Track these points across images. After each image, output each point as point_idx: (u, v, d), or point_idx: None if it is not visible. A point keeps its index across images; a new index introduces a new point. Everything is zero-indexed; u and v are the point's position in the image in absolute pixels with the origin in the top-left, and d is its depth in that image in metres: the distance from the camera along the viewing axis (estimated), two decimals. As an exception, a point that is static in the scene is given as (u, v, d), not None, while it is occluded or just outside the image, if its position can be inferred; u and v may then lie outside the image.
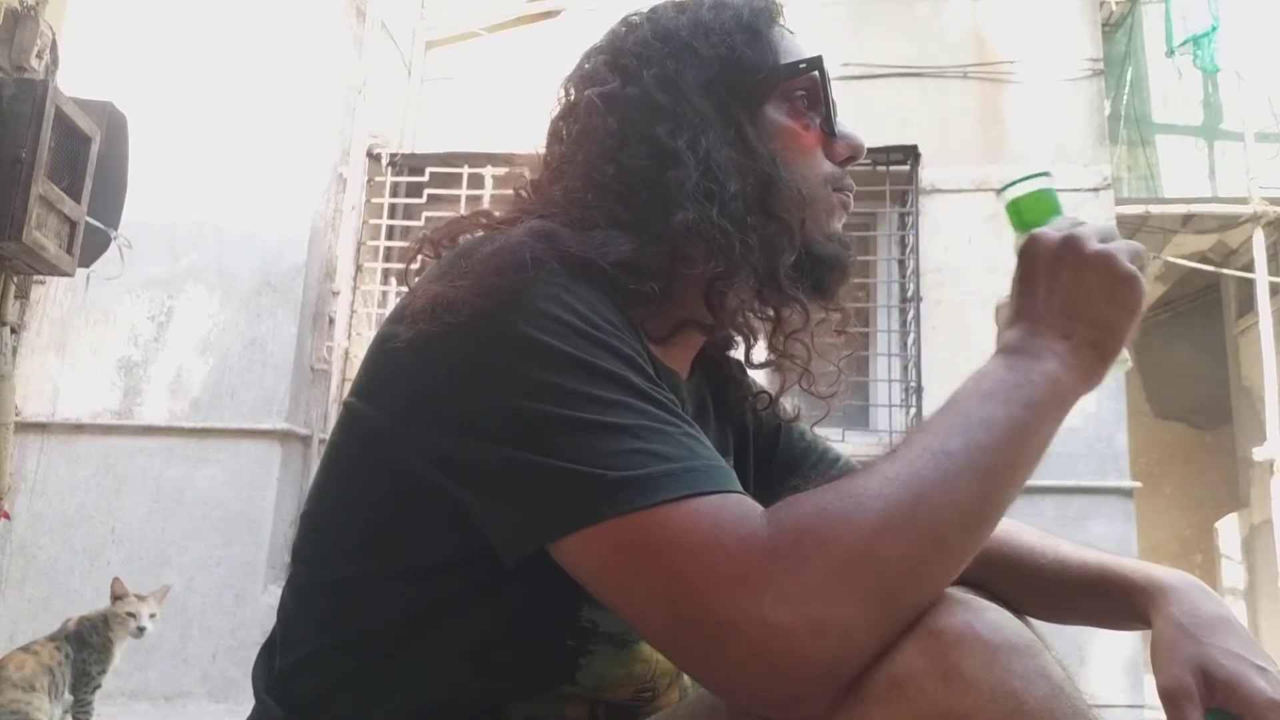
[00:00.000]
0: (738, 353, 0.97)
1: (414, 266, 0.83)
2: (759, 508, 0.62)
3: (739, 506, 0.61)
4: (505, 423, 0.64)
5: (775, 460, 1.00)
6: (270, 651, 0.82)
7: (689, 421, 0.67)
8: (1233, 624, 0.78)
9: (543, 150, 0.88)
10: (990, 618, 0.58)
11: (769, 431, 1.01)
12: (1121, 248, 0.73)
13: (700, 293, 0.81)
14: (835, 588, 0.57)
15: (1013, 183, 0.81)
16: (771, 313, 0.89)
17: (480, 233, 0.80)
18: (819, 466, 1.02)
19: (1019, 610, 0.78)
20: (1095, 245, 0.72)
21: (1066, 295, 0.72)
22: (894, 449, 0.65)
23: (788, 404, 1.01)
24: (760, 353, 0.96)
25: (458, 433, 0.66)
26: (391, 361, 0.71)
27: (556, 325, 0.66)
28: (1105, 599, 0.87)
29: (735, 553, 0.58)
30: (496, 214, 0.84)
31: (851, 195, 0.88)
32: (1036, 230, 0.75)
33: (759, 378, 1.01)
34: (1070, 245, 0.72)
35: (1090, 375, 0.71)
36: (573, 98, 0.86)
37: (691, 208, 0.76)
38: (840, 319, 0.93)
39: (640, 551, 0.60)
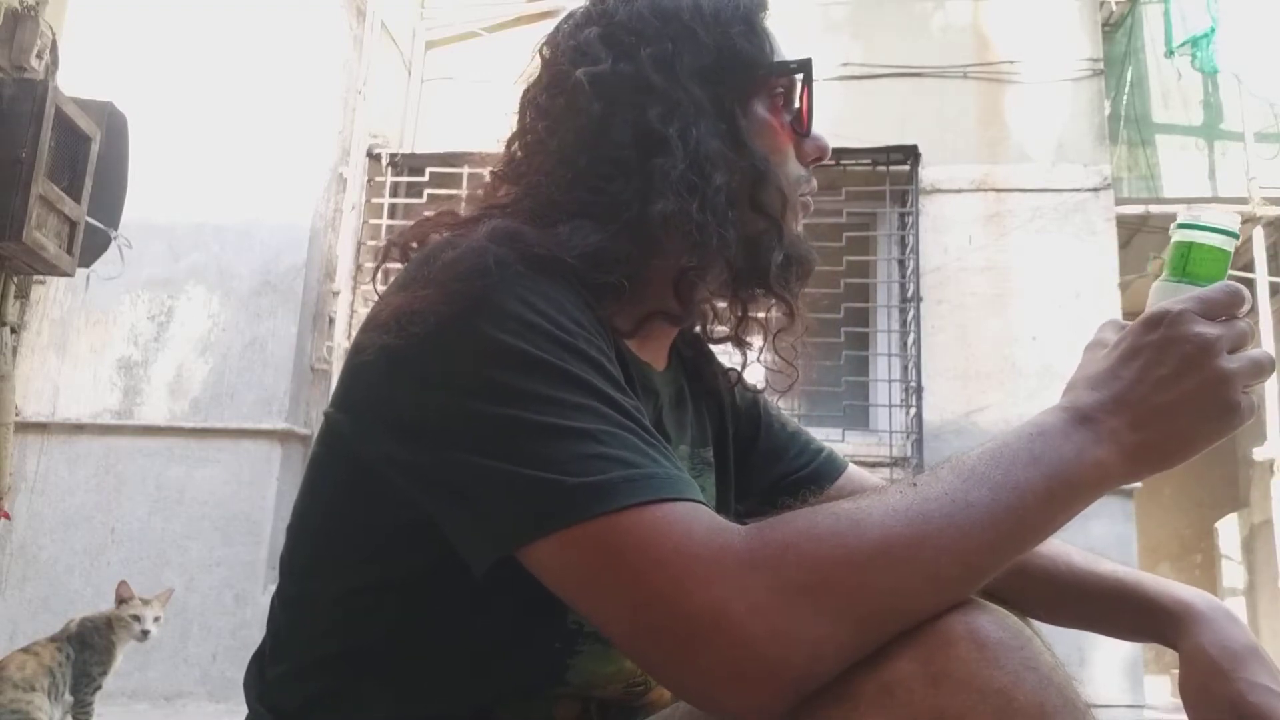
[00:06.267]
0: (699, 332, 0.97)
1: (387, 266, 0.81)
2: (728, 521, 0.61)
3: (709, 517, 0.60)
4: (465, 428, 0.63)
5: (758, 449, 1.00)
6: (260, 661, 0.82)
7: (653, 432, 0.66)
8: (1261, 654, 0.78)
9: (515, 118, 0.86)
10: (977, 616, 0.58)
11: (749, 418, 1.00)
12: (1244, 369, 0.66)
13: (669, 283, 0.80)
14: (812, 602, 0.56)
15: (1197, 225, 0.72)
16: (740, 308, 0.87)
17: (446, 234, 0.78)
18: (802, 456, 1.01)
19: (1023, 612, 0.78)
20: (1221, 361, 0.65)
21: (1162, 390, 0.65)
22: (914, 479, 0.62)
23: (761, 380, 1.00)
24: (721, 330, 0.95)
25: (422, 442, 0.65)
26: (363, 373, 0.71)
27: (521, 327, 0.65)
28: (1122, 613, 0.86)
29: (707, 560, 0.57)
30: (461, 213, 0.82)
31: (813, 197, 0.87)
32: (1178, 309, 0.66)
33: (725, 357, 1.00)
34: (1199, 347, 0.65)
35: (1139, 475, 0.66)
36: (554, 69, 0.83)
37: (672, 198, 0.75)
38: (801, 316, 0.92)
39: (602, 558, 0.59)
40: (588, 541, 0.59)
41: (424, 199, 4.23)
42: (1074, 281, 4.12)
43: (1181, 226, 0.73)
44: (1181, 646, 0.81)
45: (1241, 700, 0.75)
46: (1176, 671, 0.82)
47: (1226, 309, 0.67)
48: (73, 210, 2.76)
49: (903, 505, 0.59)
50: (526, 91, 0.85)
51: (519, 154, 0.84)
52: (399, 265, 0.78)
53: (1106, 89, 4.55)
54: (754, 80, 0.82)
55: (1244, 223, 4.68)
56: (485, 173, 0.89)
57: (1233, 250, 0.73)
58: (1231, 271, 0.73)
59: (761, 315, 0.91)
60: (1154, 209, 4.65)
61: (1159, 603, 0.84)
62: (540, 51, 0.86)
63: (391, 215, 4.39)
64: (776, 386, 0.98)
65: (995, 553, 0.60)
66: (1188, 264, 0.72)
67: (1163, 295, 0.71)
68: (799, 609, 0.56)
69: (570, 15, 0.86)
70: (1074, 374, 0.71)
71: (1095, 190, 4.23)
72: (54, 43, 2.89)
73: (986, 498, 0.60)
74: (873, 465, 3.73)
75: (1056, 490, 0.62)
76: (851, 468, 1.04)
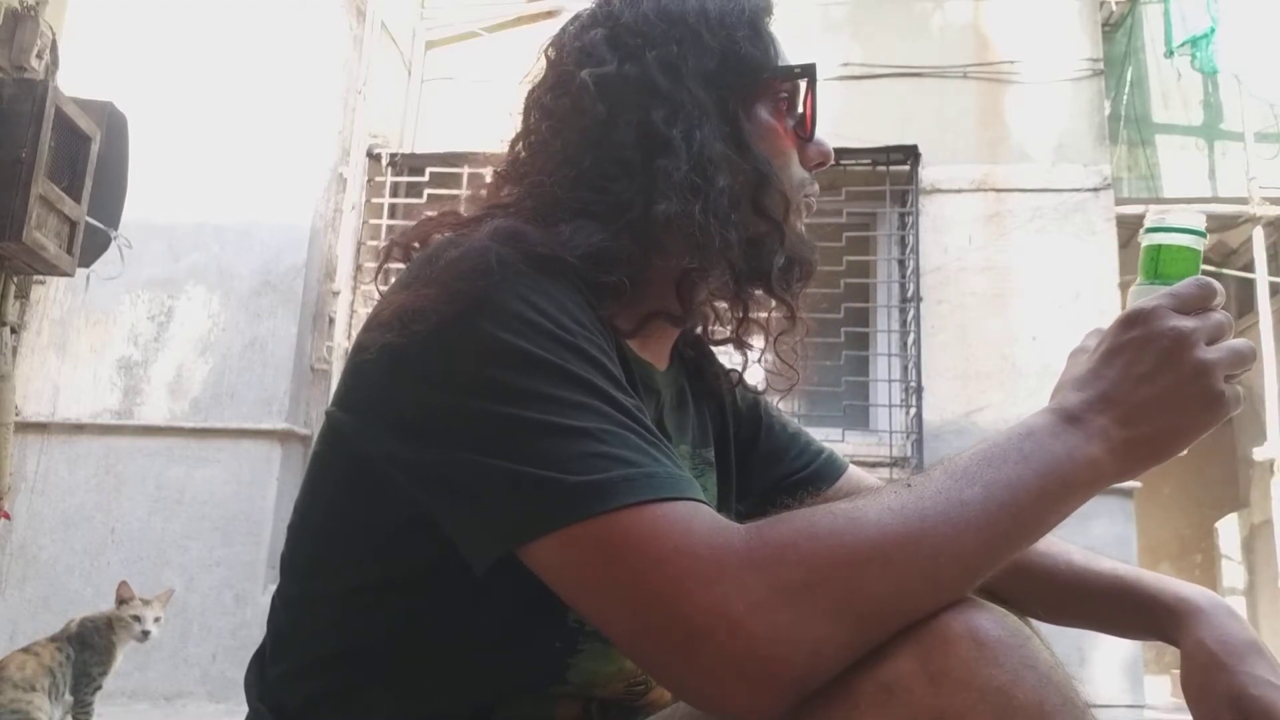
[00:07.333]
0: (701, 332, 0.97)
1: (389, 265, 0.81)
2: (729, 521, 0.61)
3: (710, 516, 0.61)
4: (467, 427, 0.64)
5: (758, 450, 1.00)
6: (261, 660, 0.82)
7: (654, 431, 0.66)
8: (1262, 649, 0.79)
9: (518, 118, 0.86)
10: (976, 614, 0.58)
11: (749, 419, 1.01)
12: (1224, 359, 0.66)
13: (670, 283, 0.81)
14: (812, 600, 0.56)
15: (1165, 228, 0.74)
16: (741, 309, 0.88)
17: (448, 233, 0.78)
18: (802, 458, 1.02)
19: (1024, 612, 0.78)
20: (1199, 352, 0.66)
21: (1145, 386, 0.66)
22: (909, 479, 0.63)
23: (761, 381, 1.00)
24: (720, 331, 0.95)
25: (423, 440, 0.66)
26: (365, 372, 0.71)
27: (523, 326, 0.65)
28: (1122, 610, 0.87)
29: (707, 559, 0.57)
30: (463, 212, 0.82)
31: (815, 199, 0.88)
32: (1152, 305, 0.68)
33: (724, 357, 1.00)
34: (1177, 340, 0.66)
35: (1131, 472, 0.66)
36: (560, 69, 0.83)
37: (675, 199, 0.75)
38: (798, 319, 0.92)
39: (602, 557, 0.59)
40: (588, 540, 0.59)
41: (424, 199, 4.23)
42: (1074, 281, 4.12)
43: (1149, 230, 0.75)
44: (1182, 642, 0.81)
45: (1243, 694, 0.75)
46: (1177, 671, 0.82)
47: (1200, 302, 0.68)
48: (73, 210, 2.76)
49: (898, 504, 0.60)
50: (531, 92, 0.86)
51: (522, 154, 0.84)
52: (401, 265, 0.78)
53: (1106, 89, 4.55)
54: (758, 84, 0.83)
55: (1243, 223, 4.69)
56: (486, 172, 0.89)
57: (1202, 248, 0.75)
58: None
59: (762, 316, 0.91)
60: (1154, 209, 4.65)
61: (1159, 599, 0.84)
62: (545, 52, 0.87)
63: (391, 215, 4.39)
64: (777, 388, 0.98)
65: (991, 550, 0.61)
66: (1159, 266, 0.74)
67: (1138, 298, 0.72)
68: (799, 608, 0.56)
69: (576, 17, 0.87)
70: (1059, 378, 0.71)
71: (1095, 190, 4.24)
72: (54, 43, 2.89)
73: (980, 495, 0.61)
74: (873, 465, 3.73)
75: (1049, 488, 0.62)
76: (852, 469, 1.04)
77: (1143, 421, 0.65)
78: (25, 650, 2.46)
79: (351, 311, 4.15)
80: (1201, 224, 0.75)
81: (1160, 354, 0.66)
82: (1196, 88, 4.94)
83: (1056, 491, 0.63)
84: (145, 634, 2.58)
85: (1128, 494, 3.89)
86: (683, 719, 0.69)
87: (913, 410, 4.06)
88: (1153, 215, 0.76)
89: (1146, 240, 0.75)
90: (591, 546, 0.59)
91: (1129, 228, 4.85)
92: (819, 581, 0.57)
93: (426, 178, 4.34)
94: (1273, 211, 4.54)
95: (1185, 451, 0.69)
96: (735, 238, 0.78)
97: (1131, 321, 0.68)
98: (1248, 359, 0.68)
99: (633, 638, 0.60)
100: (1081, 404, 0.66)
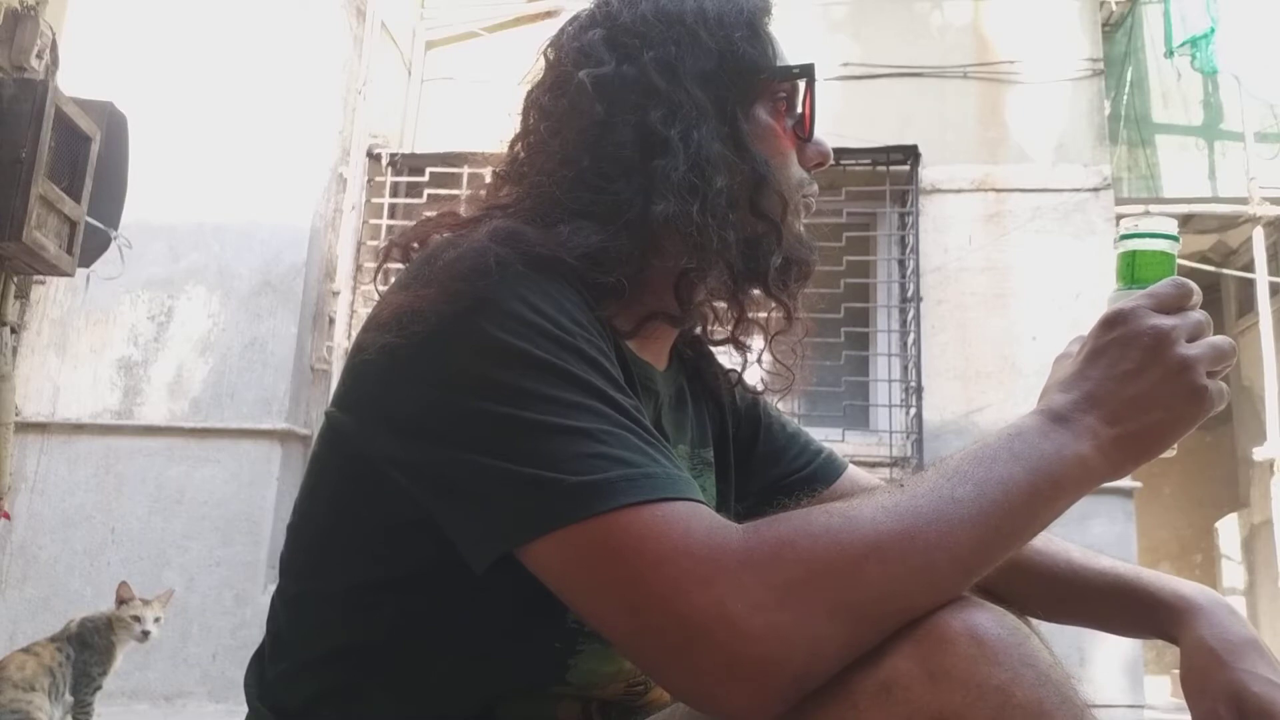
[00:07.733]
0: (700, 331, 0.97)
1: (388, 266, 0.82)
2: (727, 520, 0.61)
3: (708, 516, 0.61)
4: (466, 427, 0.64)
5: (758, 451, 1.00)
6: (261, 660, 0.82)
7: (653, 431, 0.66)
8: (1261, 647, 0.79)
9: (517, 119, 0.86)
10: (975, 613, 0.58)
11: (749, 419, 1.01)
12: (1205, 355, 0.67)
13: (669, 284, 0.81)
14: (810, 599, 0.56)
15: (1139, 234, 0.76)
16: (739, 309, 0.88)
17: (447, 234, 0.78)
18: (802, 458, 1.02)
19: (1023, 610, 0.78)
20: (1180, 348, 0.67)
21: (1130, 384, 0.67)
22: (902, 480, 0.64)
23: (761, 381, 1.00)
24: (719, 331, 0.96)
25: (422, 440, 0.66)
26: (364, 372, 0.71)
27: (521, 327, 0.65)
28: (1123, 609, 0.87)
29: (704, 559, 0.58)
30: (462, 213, 0.83)
31: (814, 199, 0.88)
32: (1131, 306, 0.69)
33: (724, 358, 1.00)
34: (1157, 338, 0.67)
35: (1121, 469, 0.67)
36: (558, 70, 0.84)
37: (673, 199, 0.75)
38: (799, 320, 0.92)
39: (601, 557, 0.59)
40: (587, 540, 0.59)
41: (424, 199, 4.22)
42: (1074, 281, 4.12)
43: (1124, 237, 0.77)
44: (1182, 640, 0.81)
45: (1243, 690, 0.76)
46: (1177, 671, 0.82)
47: (1178, 302, 0.69)
48: (73, 210, 2.76)
49: (892, 503, 0.60)
50: (530, 93, 0.86)
51: (521, 154, 0.85)
52: (400, 265, 0.78)
53: (1106, 89, 4.55)
54: (756, 84, 0.83)
55: (1243, 223, 4.69)
56: (486, 173, 0.89)
57: (1176, 252, 0.76)
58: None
59: (761, 317, 0.91)
60: (1154, 209, 4.65)
61: (1159, 597, 0.85)
62: (544, 53, 0.87)
63: (391, 215, 4.39)
64: (776, 388, 0.98)
65: (985, 547, 0.61)
66: (1135, 271, 0.75)
67: (1115, 302, 0.73)
68: (797, 607, 0.56)
69: (575, 18, 0.87)
70: (1045, 383, 0.72)
71: (1095, 190, 4.24)
72: (54, 43, 2.88)
73: (972, 493, 0.61)
74: (873, 465, 3.73)
75: (1040, 486, 0.63)
76: (851, 469, 1.04)
77: (1129, 419, 0.66)
78: (25, 650, 2.46)
79: (351, 311, 4.15)
80: (1174, 229, 0.77)
81: (1142, 352, 0.67)
82: (1196, 88, 4.94)
83: (1047, 490, 0.63)
84: (145, 634, 2.58)
85: (1127, 494, 3.89)
86: (682, 719, 0.69)
87: (913, 410, 4.06)
88: (1126, 222, 0.78)
89: (1121, 247, 0.77)
90: (590, 547, 0.59)
91: (1129, 228, 4.85)
92: (816, 581, 0.57)
93: (426, 178, 4.34)
94: (1273, 211, 4.54)
95: (1174, 450, 0.69)
96: (733, 238, 0.78)
97: (1112, 322, 0.69)
98: (1228, 355, 0.69)
99: (631, 638, 0.60)
100: (1068, 404, 0.67)
